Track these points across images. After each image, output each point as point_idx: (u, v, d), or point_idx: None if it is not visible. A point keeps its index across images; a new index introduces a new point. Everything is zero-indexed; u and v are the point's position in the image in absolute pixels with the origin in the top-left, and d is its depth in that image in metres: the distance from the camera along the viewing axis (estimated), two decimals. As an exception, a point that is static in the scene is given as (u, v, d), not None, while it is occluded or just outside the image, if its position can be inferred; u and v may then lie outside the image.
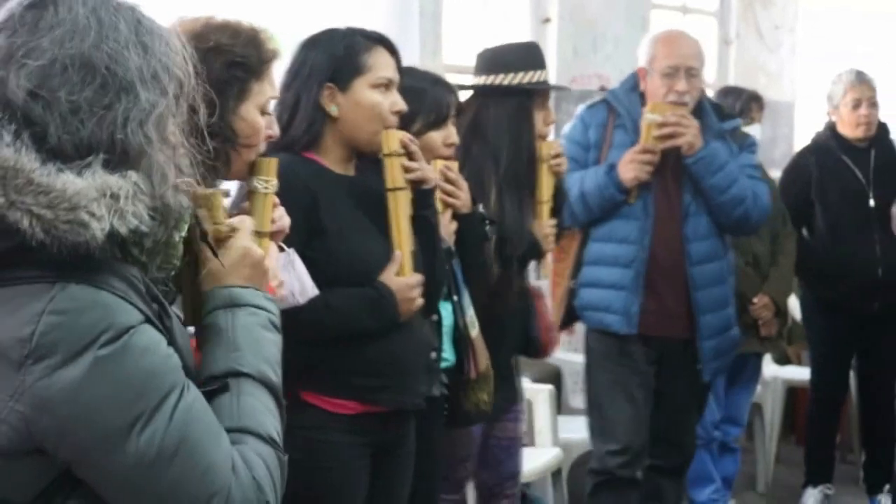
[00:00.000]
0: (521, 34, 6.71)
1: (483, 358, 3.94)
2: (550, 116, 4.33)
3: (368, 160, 3.40)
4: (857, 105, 5.96)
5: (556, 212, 4.37)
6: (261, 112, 2.72)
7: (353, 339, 3.23)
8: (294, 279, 2.97)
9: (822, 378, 6.14)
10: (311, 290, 3.03)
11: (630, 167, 4.61)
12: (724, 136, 4.76)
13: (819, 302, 5.92)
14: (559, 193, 4.40)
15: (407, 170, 3.37)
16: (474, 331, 3.92)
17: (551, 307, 4.72)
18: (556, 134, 6.56)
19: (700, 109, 4.72)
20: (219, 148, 2.51)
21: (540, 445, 5.29)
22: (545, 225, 4.28)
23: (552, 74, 6.67)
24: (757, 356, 5.93)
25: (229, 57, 2.67)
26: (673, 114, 4.62)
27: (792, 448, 6.96)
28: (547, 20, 6.74)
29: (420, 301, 3.34)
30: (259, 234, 2.52)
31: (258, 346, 2.00)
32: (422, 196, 3.42)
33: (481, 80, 4.24)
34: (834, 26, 8.64)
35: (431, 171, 3.47)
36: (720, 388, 5.69)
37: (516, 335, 4.27)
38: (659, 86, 4.67)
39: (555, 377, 5.99)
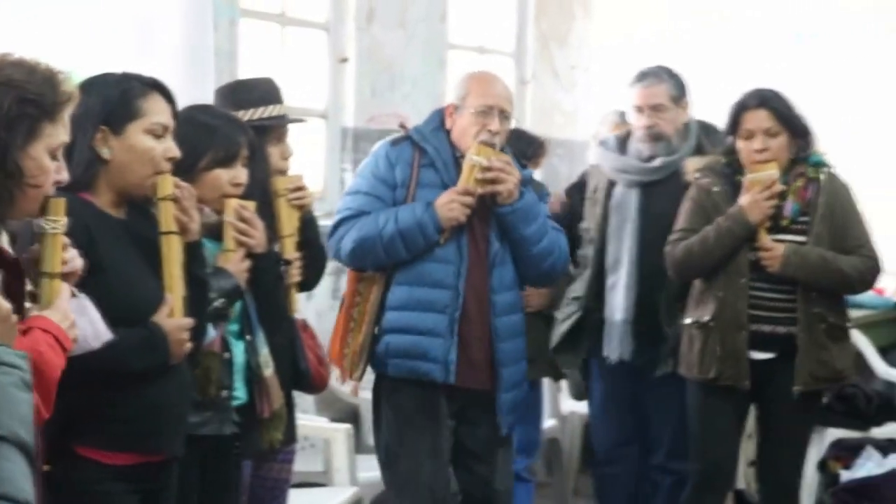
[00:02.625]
0: (318, 74, 6.74)
1: (277, 397, 3.95)
2: (287, 151, 4.37)
3: (139, 207, 3.39)
4: None
5: (304, 245, 4.35)
6: (51, 155, 2.67)
7: (123, 381, 3.18)
8: (87, 323, 2.94)
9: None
10: (105, 334, 3.00)
11: (450, 207, 4.52)
12: (528, 184, 4.72)
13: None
14: (309, 226, 4.41)
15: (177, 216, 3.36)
16: (268, 370, 3.93)
17: (348, 355, 4.68)
18: (352, 171, 6.60)
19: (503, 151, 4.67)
20: (1, 183, 2.51)
21: (338, 485, 5.29)
22: (289, 257, 4.25)
23: (350, 114, 6.76)
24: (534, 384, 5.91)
25: (21, 93, 2.62)
26: (498, 159, 4.54)
27: (590, 481, 7.05)
28: (344, 60, 6.77)
29: (189, 345, 3.32)
30: (50, 276, 2.48)
31: (11, 406, 1.96)
32: (188, 248, 3.40)
33: None
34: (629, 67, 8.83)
35: (197, 224, 3.44)
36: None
37: (284, 369, 4.17)
38: (471, 123, 4.59)
39: (353, 416, 5.99)
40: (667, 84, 5.46)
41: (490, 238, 4.64)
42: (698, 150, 5.45)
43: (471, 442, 4.75)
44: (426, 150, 4.65)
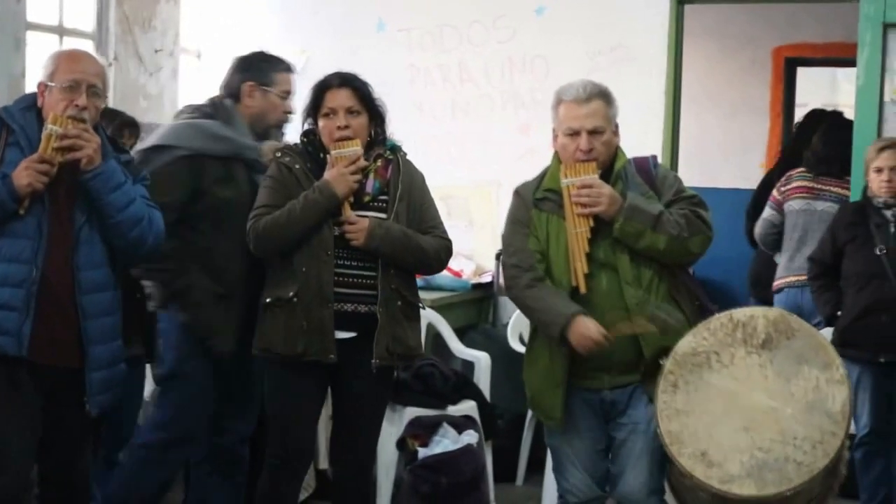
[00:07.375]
0: None
1: None
2: None
3: None
4: None
5: None
6: None
7: None
8: None
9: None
10: None
11: (25, 174, 4.51)
12: (127, 165, 4.78)
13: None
14: None
15: None
16: None
17: None
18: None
19: (96, 129, 4.70)
20: None
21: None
22: None
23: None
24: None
25: None
26: (75, 127, 4.58)
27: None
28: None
29: None
30: None
31: None
32: None
33: None
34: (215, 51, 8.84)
35: None
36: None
37: None
38: (59, 99, 4.63)
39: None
40: None
41: (75, 214, 4.64)
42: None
43: (58, 424, 4.69)
44: (13, 129, 4.65)
